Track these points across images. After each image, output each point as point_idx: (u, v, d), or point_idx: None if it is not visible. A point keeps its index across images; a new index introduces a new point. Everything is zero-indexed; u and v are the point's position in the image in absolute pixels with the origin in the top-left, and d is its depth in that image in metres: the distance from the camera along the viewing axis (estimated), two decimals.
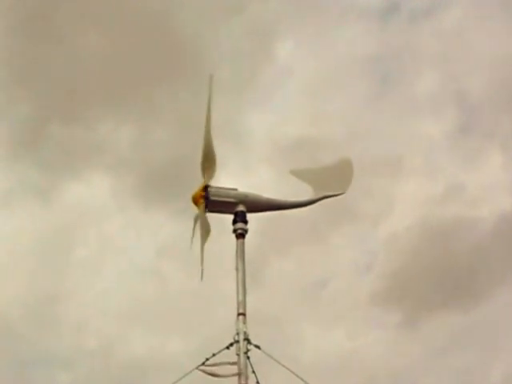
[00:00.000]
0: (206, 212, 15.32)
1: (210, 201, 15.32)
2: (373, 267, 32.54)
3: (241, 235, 15.32)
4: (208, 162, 15.46)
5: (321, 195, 15.94)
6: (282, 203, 15.86)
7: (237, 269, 15.05)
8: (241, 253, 15.19)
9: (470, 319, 30.73)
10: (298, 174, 16.57)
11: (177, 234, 25.11)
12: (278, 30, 35.35)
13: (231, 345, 14.43)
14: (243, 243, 15.28)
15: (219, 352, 14.46)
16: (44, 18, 32.39)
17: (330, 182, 16.07)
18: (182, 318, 25.81)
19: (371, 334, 30.33)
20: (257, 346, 14.45)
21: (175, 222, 23.46)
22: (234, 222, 15.41)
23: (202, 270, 14.57)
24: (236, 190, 15.76)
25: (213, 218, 15.63)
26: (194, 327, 25.11)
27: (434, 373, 29.38)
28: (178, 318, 26.05)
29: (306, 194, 15.98)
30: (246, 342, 14.44)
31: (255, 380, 14.20)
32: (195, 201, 15.43)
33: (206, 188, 15.36)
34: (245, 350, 14.33)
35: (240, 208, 15.41)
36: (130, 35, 33.16)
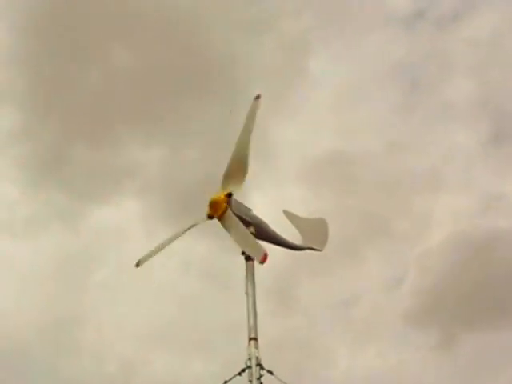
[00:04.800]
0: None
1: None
2: (406, 284, 32.13)
3: (250, 258, 15.35)
4: (237, 170, 15.68)
5: (307, 245, 16.87)
6: (282, 241, 16.32)
7: (247, 293, 15.12)
8: (250, 276, 15.26)
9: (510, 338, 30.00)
10: (291, 217, 17.24)
11: (202, 256, 25.17)
12: (309, 44, 35.31)
13: (243, 371, 14.41)
14: (253, 266, 15.32)
15: (231, 379, 14.51)
16: (73, 39, 32.54)
17: (314, 235, 17.00)
18: (203, 339, 25.74)
19: (404, 353, 29.87)
20: (270, 372, 14.42)
21: (203, 245, 23.40)
22: None
23: None
24: (251, 210, 15.99)
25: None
26: (215, 348, 25.05)
27: None
28: (200, 339, 25.99)
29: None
30: (258, 368, 14.39)
31: None
32: (216, 206, 15.47)
33: (229, 195, 15.52)
34: (257, 376, 14.30)
35: (251, 230, 15.48)
36: (159, 53, 33.25)
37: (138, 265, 15.86)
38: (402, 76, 37.36)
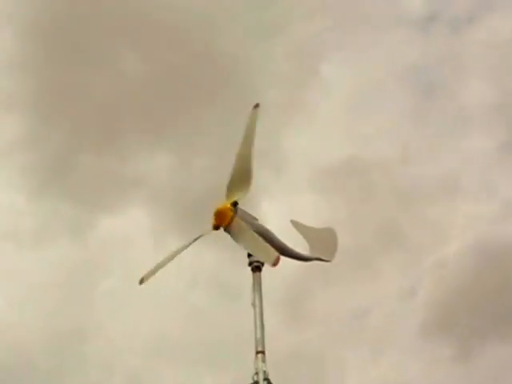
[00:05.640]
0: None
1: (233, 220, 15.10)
2: (422, 295, 31.58)
3: (257, 268, 14.97)
4: (241, 180, 15.34)
5: (315, 256, 16.41)
6: (290, 251, 15.89)
7: (253, 304, 14.69)
8: (257, 287, 14.83)
9: None
10: (298, 227, 16.88)
11: (209, 267, 24.73)
12: (321, 48, 34.90)
13: None
14: (260, 277, 14.92)
15: None
16: (79, 44, 32.23)
17: (322, 245, 16.56)
18: (211, 352, 25.25)
19: (420, 366, 29.28)
20: None
21: (210, 256, 22.93)
22: (250, 254, 15.03)
23: None
24: (257, 219, 15.59)
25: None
26: (223, 361, 24.55)
27: None
28: (208, 351, 25.51)
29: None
30: (266, 383, 13.90)
31: None
32: (222, 215, 15.07)
33: (234, 204, 15.14)
34: None
35: None
36: (168, 59, 32.91)
37: (141, 282, 15.49)
38: (416, 80, 37.00)
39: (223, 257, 20.58)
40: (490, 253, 30.94)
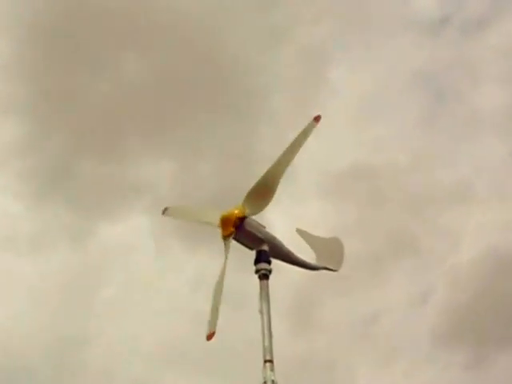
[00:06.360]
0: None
1: (241, 229, 14.91)
2: (434, 302, 31.23)
3: (264, 276, 14.81)
4: (262, 195, 14.98)
5: (322, 265, 16.28)
6: (297, 260, 15.77)
7: (261, 312, 14.46)
8: (265, 295, 14.62)
9: None
10: (304, 236, 16.67)
11: (215, 274, 24.36)
12: (329, 52, 34.60)
13: None
14: (267, 285, 14.73)
15: None
16: (80, 48, 31.83)
17: (329, 254, 16.39)
18: (217, 360, 24.88)
19: (432, 374, 28.92)
20: None
21: (215, 262, 22.57)
22: (257, 261, 14.91)
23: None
24: (265, 227, 15.43)
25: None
26: (229, 370, 24.26)
27: None
28: (214, 359, 25.14)
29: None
30: None
31: None
32: (227, 223, 14.87)
33: (243, 218, 14.91)
34: None
35: (264, 247, 14.98)
36: (172, 63, 32.60)
37: (210, 337, 14.38)
38: (427, 84, 36.66)
39: (229, 263, 20.25)
40: (503, 260, 30.66)
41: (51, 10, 31.93)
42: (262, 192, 14.99)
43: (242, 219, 14.89)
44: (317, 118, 15.11)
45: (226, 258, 14.79)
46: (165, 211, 17.03)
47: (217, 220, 15.04)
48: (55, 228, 32.32)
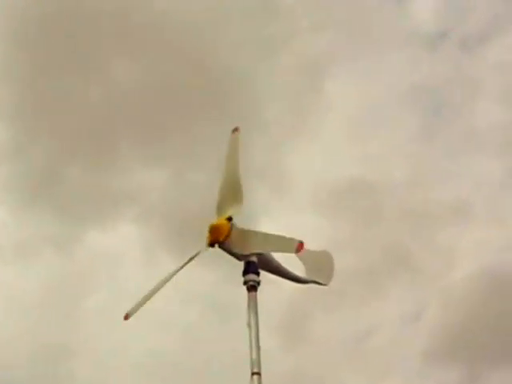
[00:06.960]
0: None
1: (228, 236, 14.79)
2: (428, 319, 30.96)
3: (253, 287, 14.61)
4: (232, 195, 15.08)
5: (311, 278, 16.12)
6: (286, 272, 15.62)
7: (249, 325, 14.25)
8: (253, 307, 14.41)
9: None
10: None
11: (204, 286, 24.11)
12: (326, 65, 34.38)
13: None
14: (255, 296, 14.52)
15: None
16: (70, 51, 31.34)
17: (319, 268, 16.21)
18: (205, 372, 24.47)
19: None
20: None
21: (205, 274, 22.29)
22: (245, 272, 14.69)
23: None
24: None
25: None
26: (217, 382, 23.90)
27: None
28: (202, 372, 24.73)
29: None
30: None
31: None
32: (218, 231, 14.70)
33: (229, 219, 14.85)
34: None
35: (252, 258, 14.76)
36: (165, 70, 32.25)
37: (126, 317, 14.97)
38: (425, 99, 36.47)
39: (218, 275, 19.96)
40: (497, 279, 30.46)
41: (38, 14, 31.54)
42: (230, 196, 15.14)
43: (229, 219, 14.84)
44: (235, 130, 15.77)
45: (191, 259, 14.90)
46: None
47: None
48: (41, 236, 31.93)
